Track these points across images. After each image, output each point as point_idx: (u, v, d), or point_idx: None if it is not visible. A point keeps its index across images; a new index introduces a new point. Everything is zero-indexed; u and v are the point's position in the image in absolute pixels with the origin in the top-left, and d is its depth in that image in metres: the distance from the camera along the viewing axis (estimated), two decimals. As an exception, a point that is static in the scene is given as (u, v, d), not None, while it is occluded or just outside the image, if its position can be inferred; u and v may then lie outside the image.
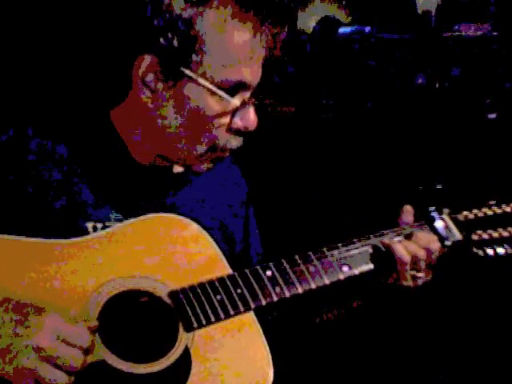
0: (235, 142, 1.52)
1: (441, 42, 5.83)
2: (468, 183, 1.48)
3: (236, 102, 1.44)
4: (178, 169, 1.62)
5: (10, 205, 1.45)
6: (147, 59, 1.44)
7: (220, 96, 1.43)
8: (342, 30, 6.05)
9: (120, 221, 1.50)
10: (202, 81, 1.42)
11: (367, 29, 6.14)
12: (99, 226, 1.51)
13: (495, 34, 5.75)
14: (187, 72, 1.43)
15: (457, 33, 5.89)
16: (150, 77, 1.46)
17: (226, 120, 1.48)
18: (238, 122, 1.45)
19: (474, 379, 2.90)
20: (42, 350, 1.15)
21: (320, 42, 5.91)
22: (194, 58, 1.42)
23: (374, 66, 5.77)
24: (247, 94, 1.47)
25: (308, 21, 6.21)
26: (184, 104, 1.45)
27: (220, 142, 1.47)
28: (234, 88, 1.43)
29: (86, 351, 1.23)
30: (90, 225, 1.50)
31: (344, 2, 6.31)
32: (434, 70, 5.65)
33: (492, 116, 4.99)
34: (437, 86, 5.60)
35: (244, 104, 1.47)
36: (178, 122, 1.49)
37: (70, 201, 1.49)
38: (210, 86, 1.43)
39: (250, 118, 1.49)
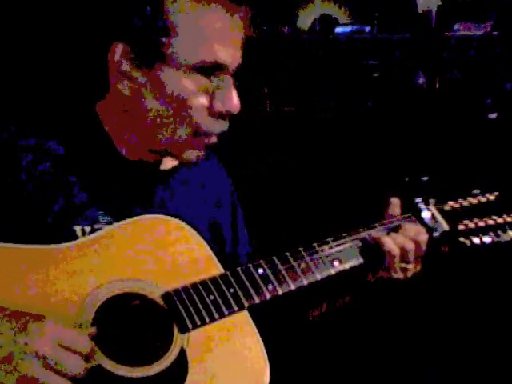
0: (218, 126, 1.47)
1: (441, 42, 5.83)
2: (453, 174, 1.48)
3: (213, 83, 1.41)
4: (166, 165, 1.60)
5: (7, 207, 1.44)
6: (120, 47, 1.42)
7: (195, 78, 1.40)
8: (342, 29, 6.07)
9: (109, 222, 1.48)
10: (175, 63, 1.40)
11: (367, 28, 6.15)
12: (88, 229, 1.49)
13: (495, 33, 5.75)
14: (160, 56, 1.42)
15: (457, 32, 5.89)
16: (125, 65, 1.44)
17: (205, 103, 1.44)
18: (218, 105, 1.42)
19: (467, 371, 2.91)
20: (44, 357, 1.11)
21: (318, 39, 5.93)
22: (166, 40, 1.39)
23: (374, 65, 5.77)
24: (227, 76, 1.44)
25: (308, 20, 6.23)
26: (161, 89, 1.43)
27: (202, 126, 1.44)
28: (209, 69, 1.40)
29: (87, 357, 1.22)
30: (78, 228, 1.49)
31: (344, 2, 6.32)
32: (434, 69, 5.65)
33: (492, 116, 4.99)
34: (437, 85, 5.60)
35: (224, 86, 1.44)
36: (157, 109, 1.45)
37: (64, 202, 1.48)
38: (184, 68, 1.40)
39: (230, 101, 1.44)
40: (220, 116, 1.42)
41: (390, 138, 4.52)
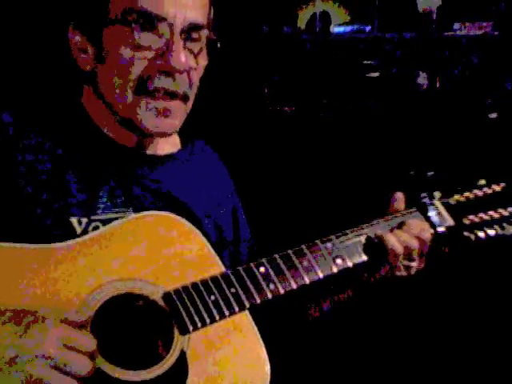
0: (163, 82, 1.45)
1: (441, 42, 5.83)
2: (458, 168, 1.46)
3: (147, 36, 1.40)
4: (163, 150, 1.58)
5: (5, 203, 1.42)
6: (71, 27, 1.46)
7: (125, 31, 1.40)
8: (342, 29, 6.08)
9: (106, 212, 1.47)
10: (109, 20, 1.42)
11: (367, 28, 6.16)
12: (84, 220, 1.47)
13: (496, 33, 5.76)
14: (100, 19, 1.43)
15: (457, 32, 5.90)
16: (77, 39, 1.47)
17: (138, 55, 1.43)
18: (158, 60, 1.41)
19: (467, 371, 2.89)
20: (50, 358, 1.09)
21: (318, 39, 5.94)
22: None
23: (375, 65, 5.78)
24: (166, 31, 1.43)
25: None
26: (105, 53, 1.44)
27: (141, 80, 1.42)
28: (139, 20, 1.39)
29: (92, 356, 1.21)
30: (74, 219, 1.47)
31: (345, 2, 6.33)
32: (435, 68, 5.65)
33: (493, 115, 4.99)
34: (437, 84, 5.61)
35: (163, 41, 1.43)
36: (106, 75, 1.44)
37: (58, 196, 1.46)
38: (115, 24, 1.41)
39: (171, 56, 1.43)
40: (162, 71, 1.39)
41: (392, 135, 4.51)
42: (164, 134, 1.45)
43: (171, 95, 1.39)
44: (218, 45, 1.45)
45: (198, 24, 1.39)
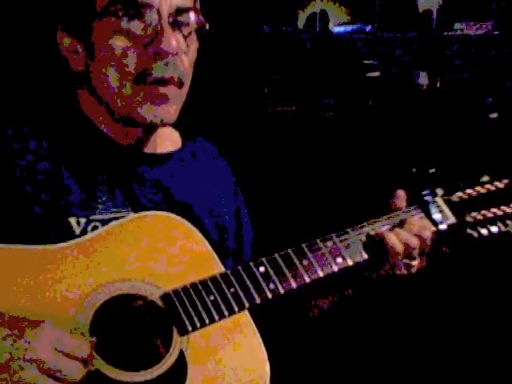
0: (159, 71, 1.45)
1: (442, 41, 5.84)
2: (461, 164, 1.45)
3: (133, 24, 1.39)
4: (163, 148, 1.57)
5: (6, 205, 1.42)
6: (59, 31, 1.46)
7: (112, 21, 1.39)
8: (342, 29, 6.08)
9: (105, 212, 1.46)
10: (95, 14, 1.42)
11: (368, 28, 6.17)
12: (83, 220, 1.46)
13: (496, 33, 5.76)
14: (86, 17, 1.43)
15: (458, 32, 5.91)
16: (66, 40, 1.46)
17: (129, 45, 1.43)
18: (148, 46, 1.41)
19: (467, 371, 2.89)
20: (42, 363, 1.08)
21: (318, 38, 5.95)
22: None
23: (375, 65, 5.78)
24: (154, 17, 1.43)
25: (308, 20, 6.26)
26: (100, 49, 1.43)
27: (137, 69, 1.41)
28: (123, 9, 1.39)
29: (86, 362, 1.20)
30: (73, 220, 1.46)
31: (345, 2, 6.34)
32: (435, 68, 5.65)
33: (493, 115, 4.99)
34: (438, 84, 5.60)
35: (152, 27, 1.43)
36: (100, 71, 1.44)
37: (57, 196, 1.45)
38: (101, 16, 1.41)
39: (162, 40, 1.43)
40: (155, 58, 1.38)
41: (392, 136, 4.51)
42: (161, 123, 1.44)
43: (167, 81, 1.39)
44: (207, 26, 1.45)
45: (184, 7, 1.39)
